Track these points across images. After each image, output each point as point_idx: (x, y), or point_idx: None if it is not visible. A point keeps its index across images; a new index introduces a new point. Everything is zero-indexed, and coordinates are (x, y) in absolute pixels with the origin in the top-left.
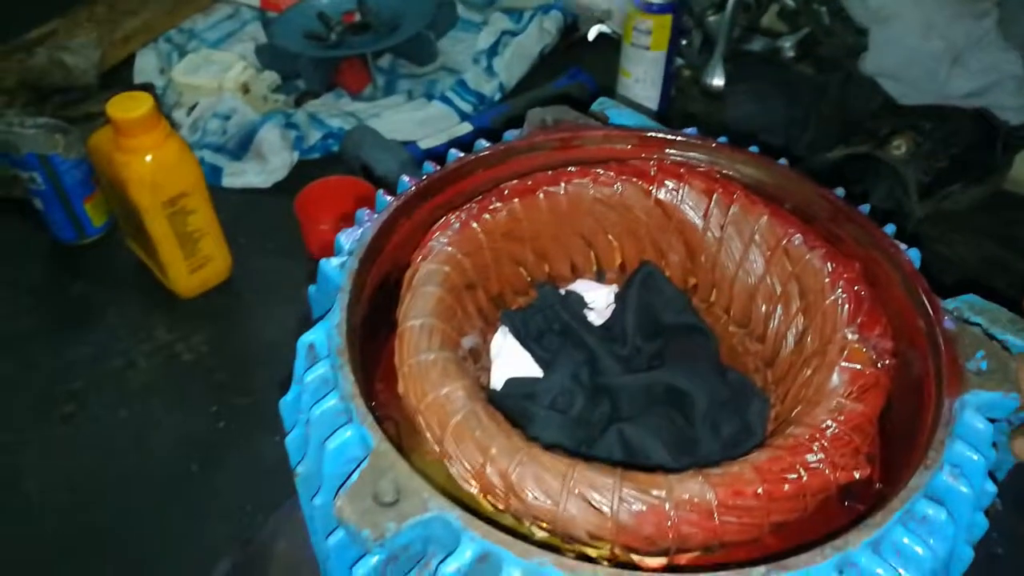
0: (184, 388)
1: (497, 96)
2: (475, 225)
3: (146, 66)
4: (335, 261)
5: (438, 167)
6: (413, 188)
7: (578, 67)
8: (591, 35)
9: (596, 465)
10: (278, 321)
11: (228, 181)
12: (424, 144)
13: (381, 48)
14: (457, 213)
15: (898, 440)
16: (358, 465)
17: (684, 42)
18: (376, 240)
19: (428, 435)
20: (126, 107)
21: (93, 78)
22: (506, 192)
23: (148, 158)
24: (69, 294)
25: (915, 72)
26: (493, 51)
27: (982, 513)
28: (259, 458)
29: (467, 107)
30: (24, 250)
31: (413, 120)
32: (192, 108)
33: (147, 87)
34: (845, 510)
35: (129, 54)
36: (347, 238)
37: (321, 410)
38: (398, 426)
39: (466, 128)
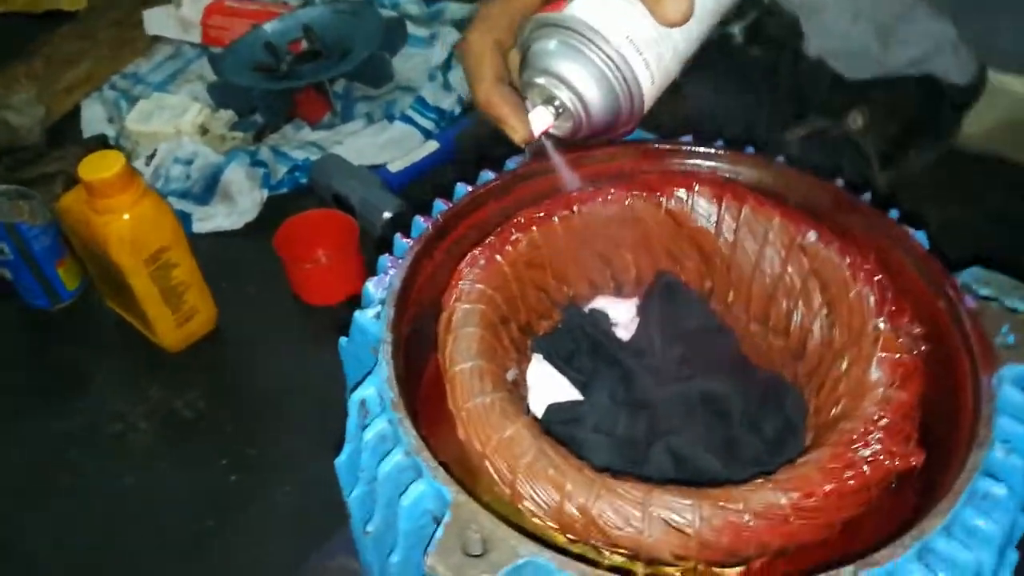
0: (189, 445)
1: (457, 110)
2: (499, 259)
3: (94, 117)
4: (370, 312)
5: (449, 204)
6: (430, 228)
7: None
8: None
9: (671, 488)
10: (273, 365)
11: (198, 227)
12: (393, 167)
13: (337, 74)
14: (480, 249)
15: (932, 421)
16: (436, 520)
17: None
18: (405, 285)
19: (497, 477)
20: (98, 167)
21: (39, 135)
22: (522, 221)
23: (126, 217)
24: (51, 362)
25: (853, 52)
26: (447, 65)
27: None
28: (276, 508)
29: (429, 124)
30: None
31: (376, 143)
32: (151, 156)
33: (99, 139)
34: (893, 496)
35: (73, 106)
36: (376, 287)
37: (388, 468)
38: (447, 470)
39: (433, 146)
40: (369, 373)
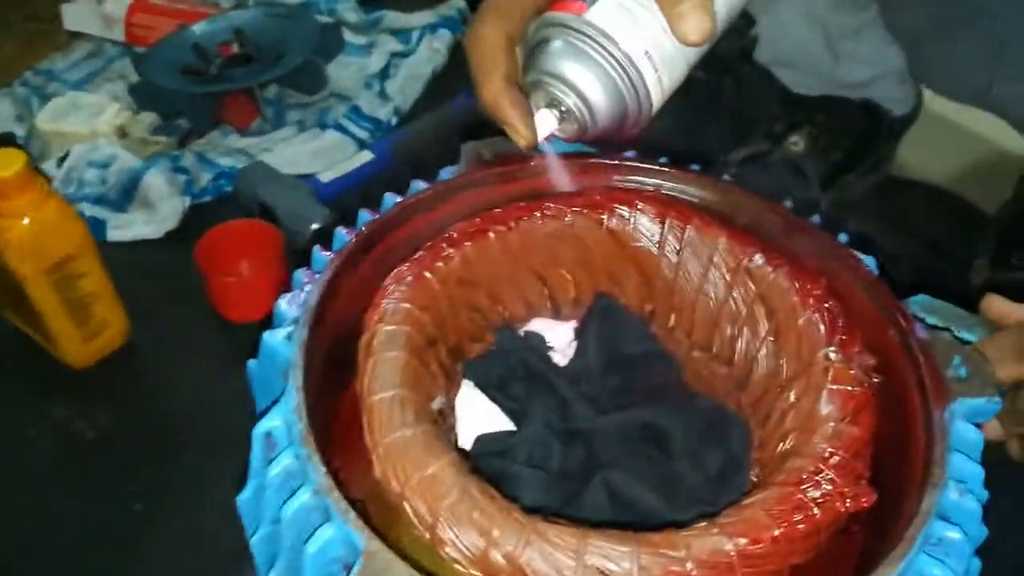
0: (90, 469)
1: (393, 120)
2: (429, 275)
3: (1, 114)
4: (280, 333)
5: (375, 215)
6: (353, 241)
7: None
8: None
9: (608, 533)
10: (187, 385)
11: (114, 235)
12: (324, 177)
13: (268, 79)
14: (408, 265)
15: (881, 457)
16: (347, 568)
17: None
18: (323, 303)
19: (416, 520)
20: None
21: None
22: (455, 236)
23: (26, 221)
24: None
25: (804, 60)
26: (384, 74)
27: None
28: (182, 538)
29: (363, 134)
30: None
31: (307, 152)
32: (63, 158)
33: (7, 138)
34: (844, 537)
35: None
36: (289, 304)
37: (293, 508)
38: (358, 508)
39: (367, 157)
40: (276, 401)
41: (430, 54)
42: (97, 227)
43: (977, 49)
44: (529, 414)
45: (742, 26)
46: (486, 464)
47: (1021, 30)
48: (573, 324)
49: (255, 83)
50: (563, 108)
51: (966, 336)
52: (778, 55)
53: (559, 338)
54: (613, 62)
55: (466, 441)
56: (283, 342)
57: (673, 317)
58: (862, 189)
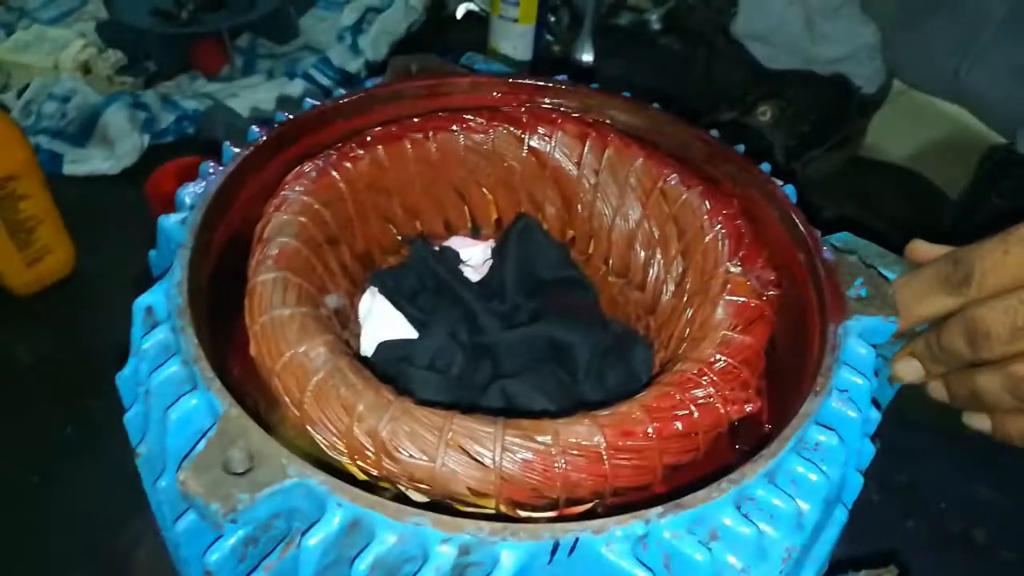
0: (23, 393)
1: (363, 74)
2: (335, 173)
3: None
4: (175, 217)
5: (290, 116)
6: (263, 138)
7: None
8: (459, 13)
9: (476, 415)
10: (130, 317)
11: (70, 168)
12: None
13: (237, 24)
14: (314, 161)
15: (783, 377)
16: (204, 434)
17: (553, 19)
18: (221, 194)
19: (287, 399)
20: None
21: None
22: (368, 139)
23: None
24: None
25: (781, 36)
26: (358, 28)
27: (868, 439)
28: (113, 464)
29: (330, 84)
30: None
31: (272, 99)
32: (23, 89)
33: None
34: (737, 453)
35: None
36: (189, 193)
37: (161, 378)
38: (257, 403)
39: None
40: (160, 277)
41: (406, 11)
42: (54, 161)
43: (945, 35)
44: (434, 324)
45: (724, 3)
46: (386, 367)
47: (988, 16)
48: (491, 244)
49: (225, 28)
50: None
51: (885, 273)
52: (756, 30)
53: (475, 256)
54: None
55: (368, 347)
56: (176, 226)
57: (592, 243)
58: (828, 165)
